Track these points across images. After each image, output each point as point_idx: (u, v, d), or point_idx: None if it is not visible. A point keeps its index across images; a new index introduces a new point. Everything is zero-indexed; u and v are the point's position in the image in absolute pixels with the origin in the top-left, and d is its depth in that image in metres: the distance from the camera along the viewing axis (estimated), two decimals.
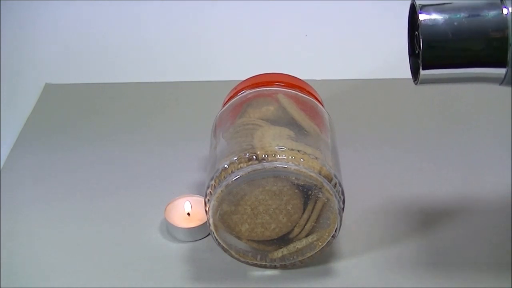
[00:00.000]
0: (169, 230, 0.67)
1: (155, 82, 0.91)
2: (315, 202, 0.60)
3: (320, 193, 0.59)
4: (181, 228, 0.66)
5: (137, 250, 0.65)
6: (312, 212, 0.60)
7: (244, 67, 0.86)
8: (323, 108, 0.68)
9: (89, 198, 0.72)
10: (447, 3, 0.51)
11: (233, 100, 0.68)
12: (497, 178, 0.72)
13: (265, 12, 0.98)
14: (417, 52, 0.52)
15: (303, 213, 0.60)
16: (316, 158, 0.58)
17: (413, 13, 0.53)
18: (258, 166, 0.57)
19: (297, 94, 0.67)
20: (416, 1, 0.52)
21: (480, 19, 0.50)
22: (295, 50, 0.94)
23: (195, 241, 0.66)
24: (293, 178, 0.58)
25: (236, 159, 0.58)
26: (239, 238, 0.61)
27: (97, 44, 0.96)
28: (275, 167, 0.57)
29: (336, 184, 0.59)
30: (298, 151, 0.58)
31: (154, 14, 0.98)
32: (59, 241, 0.67)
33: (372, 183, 0.72)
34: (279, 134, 0.61)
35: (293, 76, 0.70)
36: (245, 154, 0.58)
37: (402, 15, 0.96)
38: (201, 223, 0.66)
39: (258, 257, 0.62)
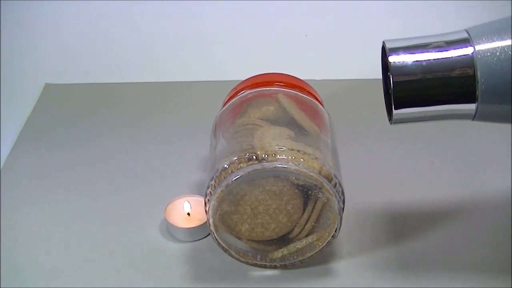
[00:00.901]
0: (169, 230, 0.67)
1: (155, 82, 0.91)
2: (315, 202, 0.60)
3: (320, 193, 0.59)
4: (181, 228, 0.66)
5: (137, 250, 0.65)
6: (312, 212, 0.60)
7: (244, 67, 0.86)
8: (323, 108, 0.68)
9: (89, 198, 0.72)
10: (416, 44, 0.53)
11: (233, 100, 0.68)
12: (497, 178, 0.72)
13: (265, 12, 0.98)
14: (390, 91, 0.53)
15: (303, 213, 0.60)
16: (316, 158, 0.58)
17: (384, 55, 0.54)
18: (258, 166, 0.57)
19: (297, 94, 0.67)
20: (386, 43, 0.54)
21: (447, 59, 0.51)
22: (295, 50, 0.94)
23: (195, 241, 0.66)
24: (293, 178, 0.58)
25: (236, 159, 0.58)
26: (239, 238, 0.61)
27: (97, 44, 0.96)
28: (275, 167, 0.57)
29: (336, 184, 0.59)
30: (298, 151, 0.58)
31: (154, 14, 0.98)
32: (59, 241, 0.67)
33: (372, 183, 0.72)
34: (279, 134, 0.61)
35: (293, 76, 0.70)
36: (245, 154, 0.58)
37: (402, 15, 0.96)
38: (201, 223, 0.66)
39: (258, 257, 0.62)
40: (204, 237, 0.66)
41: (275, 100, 0.66)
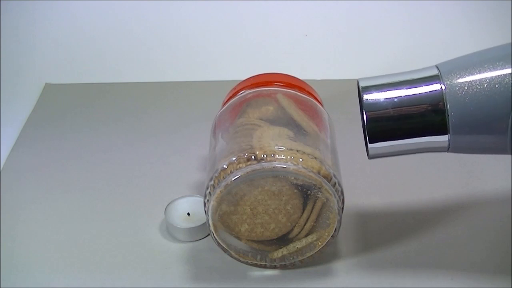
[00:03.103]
0: (169, 230, 0.67)
1: (155, 82, 0.91)
2: (315, 202, 0.60)
3: (319, 192, 0.59)
4: (181, 228, 0.66)
5: (137, 250, 0.65)
6: (311, 212, 0.60)
7: (244, 67, 0.86)
8: (322, 108, 0.68)
9: (89, 198, 0.72)
10: (388, 82, 0.56)
11: (232, 100, 0.68)
12: (497, 178, 0.72)
13: (265, 12, 0.98)
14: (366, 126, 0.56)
15: (302, 213, 0.60)
16: (315, 158, 0.58)
17: (359, 92, 0.57)
18: (257, 166, 0.57)
19: (296, 94, 0.67)
20: (359, 82, 0.57)
21: (418, 95, 0.54)
22: (295, 50, 0.94)
23: (195, 241, 0.66)
24: (292, 178, 0.58)
25: (235, 159, 0.58)
26: (238, 238, 0.61)
27: (97, 44, 0.96)
28: (274, 167, 0.57)
29: (335, 183, 0.59)
30: (297, 151, 0.58)
31: (154, 14, 0.98)
32: (59, 241, 0.67)
33: (371, 183, 0.72)
34: (278, 134, 0.61)
35: (293, 76, 0.70)
36: (244, 154, 0.58)
37: (402, 15, 0.96)
38: (201, 223, 0.66)
39: (258, 257, 0.62)
40: (204, 237, 0.66)
41: (274, 100, 0.66)
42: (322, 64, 0.92)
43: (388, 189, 0.71)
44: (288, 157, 0.58)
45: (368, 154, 0.57)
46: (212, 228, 0.60)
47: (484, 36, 0.93)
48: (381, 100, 0.55)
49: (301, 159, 0.58)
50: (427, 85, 0.54)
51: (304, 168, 0.57)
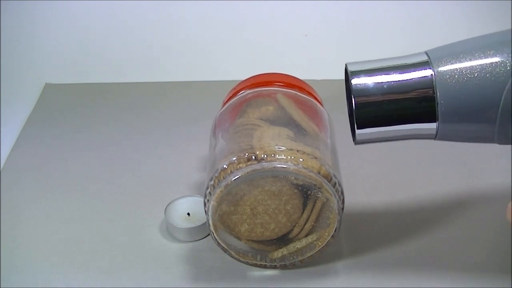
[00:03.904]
0: (169, 230, 0.67)
1: (155, 82, 0.91)
2: (315, 202, 0.60)
3: (319, 193, 0.59)
4: (181, 228, 0.66)
5: (137, 250, 0.65)
6: (311, 212, 0.60)
7: (244, 67, 0.86)
8: (322, 108, 0.68)
9: (89, 198, 0.72)
10: (377, 67, 0.54)
11: (232, 100, 0.68)
12: (497, 178, 0.72)
13: (265, 12, 0.98)
14: (353, 113, 0.55)
15: (302, 213, 0.60)
16: (315, 158, 0.58)
17: (347, 77, 0.56)
18: (257, 166, 0.57)
19: (296, 94, 0.67)
20: (348, 66, 0.55)
21: (408, 81, 0.53)
22: (295, 50, 0.94)
23: (195, 241, 0.66)
24: (292, 178, 0.58)
25: (235, 159, 0.58)
26: (238, 238, 0.61)
27: (97, 44, 0.96)
28: (274, 167, 0.57)
29: (335, 183, 0.59)
30: (297, 151, 0.58)
31: (154, 14, 0.98)
32: (59, 241, 0.67)
33: (371, 183, 0.72)
34: (278, 134, 0.61)
35: (293, 76, 0.70)
36: (244, 154, 0.58)
37: (402, 15, 0.96)
38: (201, 223, 0.66)
39: (258, 257, 0.62)
40: (204, 237, 0.66)
41: (274, 100, 0.66)
42: (322, 64, 0.92)
43: (388, 189, 0.71)
44: (288, 157, 0.58)
45: (354, 140, 0.56)
46: (212, 228, 0.60)
47: None
48: (370, 85, 0.54)
49: (301, 159, 0.58)
50: (416, 71, 0.53)
51: (304, 168, 0.57)
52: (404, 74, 0.54)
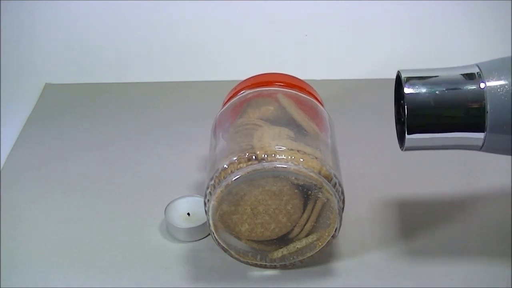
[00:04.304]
0: (169, 230, 0.67)
1: (155, 82, 0.91)
2: (315, 202, 0.60)
3: (320, 193, 0.59)
4: (181, 228, 0.66)
5: (137, 250, 0.65)
6: (312, 212, 0.60)
7: (244, 67, 0.86)
8: (323, 108, 0.68)
9: (89, 198, 0.72)
10: (430, 76, 0.57)
11: (233, 100, 0.68)
12: (497, 178, 0.72)
13: (265, 12, 0.98)
14: (402, 120, 0.58)
15: (303, 213, 0.60)
16: (316, 158, 0.58)
17: (398, 84, 0.59)
18: (257, 166, 0.57)
19: (297, 94, 0.67)
20: (401, 73, 0.57)
21: (459, 91, 0.56)
22: (295, 50, 0.94)
23: (195, 241, 0.66)
24: (293, 178, 0.58)
25: (235, 159, 0.58)
26: (239, 238, 0.61)
27: (97, 44, 0.96)
28: (274, 167, 0.57)
29: (336, 184, 0.59)
30: (298, 151, 0.58)
31: (154, 14, 0.98)
32: (59, 241, 0.67)
33: (372, 183, 0.72)
34: (278, 134, 0.61)
35: (293, 76, 0.70)
36: (245, 154, 0.58)
37: (402, 15, 0.96)
38: (201, 223, 0.66)
39: (258, 257, 0.62)
40: (204, 237, 0.66)
41: (274, 100, 0.66)
42: (322, 64, 0.92)
43: (388, 189, 0.71)
44: (289, 157, 0.58)
45: (403, 146, 0.58)
46: (212, 228, 0.60)
47: (484, 36, 0.93)
48: (422, 92, 0.56)
49: (301, 159, 0.58)
50: (468, 82, 0.56)
51: (305, 168, 0.57)
52: (456, 84, 0.56)
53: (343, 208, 0.60)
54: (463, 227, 0.67)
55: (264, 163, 0.57)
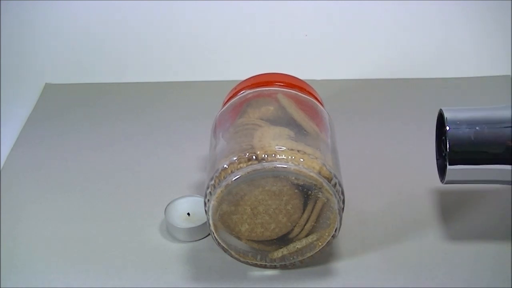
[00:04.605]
0: (169, 230, 0.67)
1: (155, 82, 0.91)
2: (315, 202, 0.60)
3: (320, 193, 0.59)
4: (181, 228, 0.66)
5: (137, 250, 0.65)
6: (312, 212, 0.60)
7: (244, 67, 0.86)
8: (323, 108, 0.68)
9: (89, 198, 0.72)
10: (471, 116, 0.61)
11: (233, 100, 0.68)
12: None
13: (265, 12, 0.98)
14: (443, 154, 0.63)
15: (303, 213, 0.60)
16: (316, 158, 0.58)
17: (439, 122, 0.64)
18: (257, 166, 0.57)
19: (297, 94, 0.67)
20: (444, 112, 0.62)
21: (498, 129, 0.60)
22: (295, 50, 0.94)
23: (195, 241, 0.66)
24: (293, 178, 0.58)
25: (235, 159, 0.58)
26: (239, 238, 0.61)
27: (97, 44, 0.96)
28: (274, 167, 0.57)
29: (336, 184, 0.59)
30: (298, 151, 0.58)
31: (154, 14, 0.98)
32: (59, 241, 0.67)
33: (372, 183, 0.72)
34: (279, 134, 0.61)
35: (293, 76, 0.70)
36: (245, 154, 0.58)
37: (402, 16, 0.96)
38: (201, 223, 0.66)
39: (258, 257, 0.62)
40: (204, 237, 0.66)
41: (275, 100, 0.66)
42: (322, 64, 0.92)
43: (388, 189, 0.71)
44: (289, 157, 0.58)
45: (443, 179, 0.62)
46: (212, 228, 0.60)
47: (484, 36, 0.93)
48: (464, 128, 0.61)
49: (301, 159, 0.58)
50: (508, 124, 0.60)
51: (305, 168, 0.57)
52: (496, 122, 0.61)
53: (343, 208, 0.60)
54: (463, 227, 0.67)
55: (264, 163, 0.57)
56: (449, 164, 0.61)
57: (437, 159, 0.65)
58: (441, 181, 0.64)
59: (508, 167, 0.60)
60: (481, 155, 0.60)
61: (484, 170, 0.61)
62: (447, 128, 0.61)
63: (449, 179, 0.62)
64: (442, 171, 0.64)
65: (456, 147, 0.60)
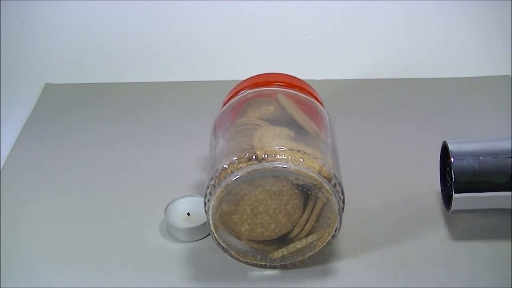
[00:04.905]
0: (169, 230, 0.67)
1: (155, 82, 0.91)
2: (315, 202, 0.60)
3: (320, 193, 0.59)
4: (181, 228, 0.66)
5: (137, 250, 0.65)
6: (312, 212, 0.60)
7: (244, 67, 0.86)
8: (323, 108, 0.68)
9: (89, 198, 0.72)
10: (475, 149, 0.64)
11: (233, 100, 0.68)
12: None
13: (265, 12, 0.98)
14: (448, 184, 0.65)
15: (303, 213, 0.60)
16: (316, 158, 0.58)
17: (443, 154, 0.66)
18: (257, 166, 0.57)
19: (297, 94, 0.67)
20: (448, 143, 0.64)
21: (501, 160, 0.63)
22: (295, 50, 0.94)
23: (195, 241, 0.66)
24: (293, 178, 0.58)
25: (235, 159, 0.58)
26: (239, 238, 0.61)
27: (97, 44, 0.96)
28: (274, 167, 0.57)
29: (336, 184, 0.59)
30: (298, 151, 0.58)
31: (154, 14, 0.98)
32: (59, 241, 0.67)
33: (372, 183, 0.72)
34: (279, 134, 0.61)
35: (293, 76, 0.70)
36: (245, 154, 0.58)
37: (402, 16, 0.96)
38: (201, 223, 0.66)
39: (258, 257, 0.62)
40: (204, 237, 0.66)
41: (275, 100, 0.66)
42: (322, 64, 0.92)
43: (388, 189, 0.71)
44: (289, 157, 0.58)
45: (449, 209, 0.64)
46: (212, 228, 0.60)
47: (484, 36, 0.93)
48: (468, 158, 0.63)
49: (301, 159, 0.58)
50: (505, 152, 0.63)
51: (305, 168, 0.57)
52: (500, 153, 0.63)
53: (343, 208, 0.60)
54: (463, 226, 0.66)
55: (264, 163, 0.57)
56: (454, 192, 0.63)
57: (441, 190, 0.67)
58: (447, 210, 0.66)
59: (505, 193, 0.63)
60: (485, 185, 0.63)
61: (489, 198, 0.63)
62: (452, 159, 0.63)
63: (455, 208, 0.64)
64: (447, 201, 0.66)
65: (461, 178, 0.63)
